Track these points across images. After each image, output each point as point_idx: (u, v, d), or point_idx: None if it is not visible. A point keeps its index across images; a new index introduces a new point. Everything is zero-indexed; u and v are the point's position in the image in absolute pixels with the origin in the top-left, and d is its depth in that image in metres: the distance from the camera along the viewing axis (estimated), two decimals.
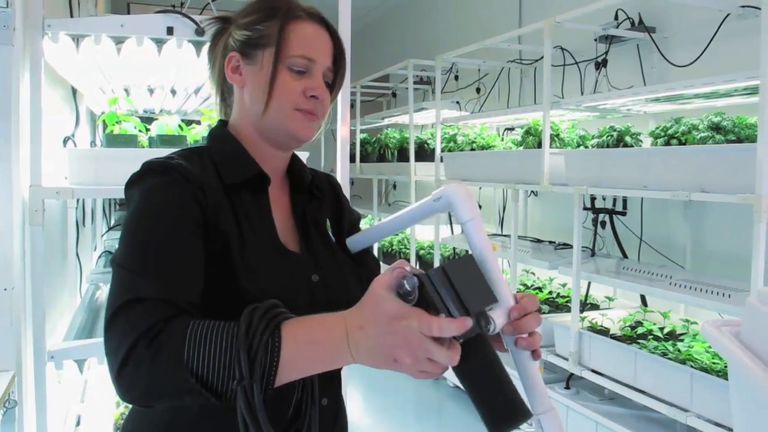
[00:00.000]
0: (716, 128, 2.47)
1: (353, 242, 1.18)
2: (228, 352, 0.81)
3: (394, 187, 6.34)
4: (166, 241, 0.92)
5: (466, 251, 0.91)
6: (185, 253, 0.93)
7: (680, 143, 2.58)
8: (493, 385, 0.85)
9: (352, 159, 5.58)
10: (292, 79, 1.04)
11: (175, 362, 0.80)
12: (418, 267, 4.73)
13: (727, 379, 2.18)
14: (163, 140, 2.10)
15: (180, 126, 2.25)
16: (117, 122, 2.19)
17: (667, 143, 2.62)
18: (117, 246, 0.96)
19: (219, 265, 0.97)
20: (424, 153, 4.90)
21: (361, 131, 6.02)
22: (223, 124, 1.14)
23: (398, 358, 0.80)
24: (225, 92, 1.15)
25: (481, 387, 0.85)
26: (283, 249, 1.06)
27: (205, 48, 1.15)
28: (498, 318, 0.87)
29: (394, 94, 6.31)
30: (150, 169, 0.98)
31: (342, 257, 1.16)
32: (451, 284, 0.82)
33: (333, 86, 1.12)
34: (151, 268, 0.89)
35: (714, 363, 2.34)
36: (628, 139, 2.90)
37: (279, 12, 1.05)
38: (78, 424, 2.66)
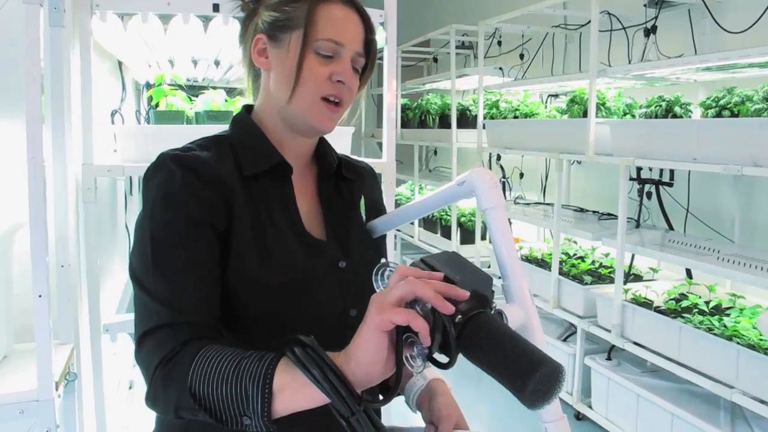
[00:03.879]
0: None
1: (374, 226, 1.18)
2: (225, 383, 0.83)
3: (435, 153, 6.31)
4: (177, 258, 0.94)
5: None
6: (197, 266, 0.95)
7: (733, 115, 2.50)
8: (499, 351, 0.76)
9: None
10: (319, 64, 1.02)
11: (181, 388, 0.85)
12: (458, 235, 4.70)
13: None
14: (210, 116, 2.13)
15: (226, 99, 2.27)
16: (164, 95, 2.22)
17: (719, 114, 2.55)
18: (132, 249, 0.98)
19: (235, 259, 0.97)
20: (466, 120, 4.84)
21: (402, 96, 5.98)
22: (246, 110, 1.13)
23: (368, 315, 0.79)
24: (255, 75, 1.14)
25: (487, 359, 0.77)
26: (307, 237, 1.06)
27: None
28: (512, 314, 0.83)
29: (435, 59, 6.23)
30: (164, 164, 0.98)
31: (371, 239, 1.17)
32: (433, 269, 0.81)
33: (363, 72, 1.10)
34: (166, 291, 0.92)
35: (762, 340, 2.30)
36: (677, 109, 2.82)
37: None
38: (130, 387, 2.76)
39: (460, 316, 0.77)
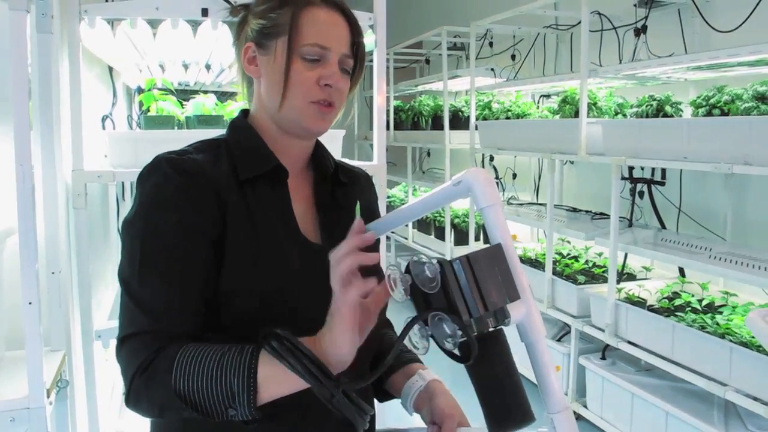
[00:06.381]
0: (761, 98, 2.39)
1: (369, 230, 1.17)
2: (210, 376, 0.87)
3: (428, 154, 6.31)
4: (165, 265, 0.94)
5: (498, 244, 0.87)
6: (185, 274, 0.95)
7: (723, 113, 2.51)
8: (499, 385, 0.83)
9: (386, 127, 5.55)
10: (306, 69, 1.01)
11: (165, 389, 0.87)
12: (452, 236, 4.71)
13: (767, 354, 2.16)
14: (201, 120, 2.12)
15: (216, 103, 2.26)
16: (154, 100, 2.21)
17: (709, 113, 2.55)
18: (122, 250, 0.98)
19: (229, 263, 0.97)
20: (458, 121, 4.85)
21: (395, 98, 5.98)
22: (244, 114, 1.13)
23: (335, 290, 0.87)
24: (249, 81, 1.13)
25: (487, 385, 0.84)
26: (303, 241, 1.06)
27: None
28: (514, 311, 0.84)
29: (427, 61, 6.24)
30: (158, 167, 0.98)
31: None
32: (474, 276, 0.81)
33: (353, 73, 1.09)
34: (150, 298, 0.94)
35: (754, 338, 2.31)
36: (668, 108, 2.83)
37: None
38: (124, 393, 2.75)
39: (474, 330, 0.81)
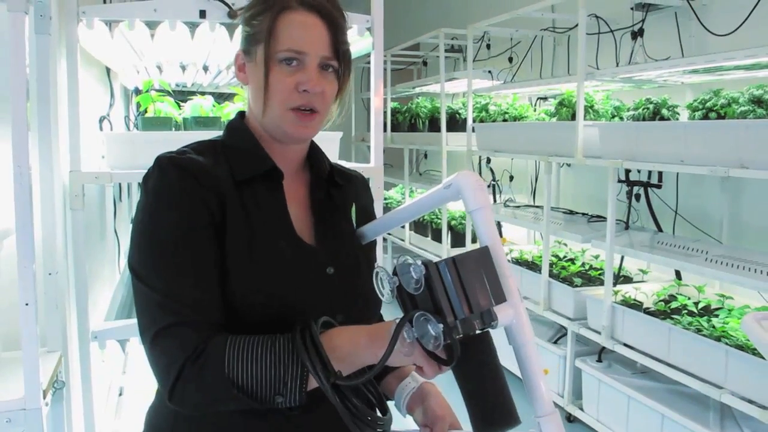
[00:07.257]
0: (758, 102, 2.40)
1: (364, 232, 1.18)
2: (264, 364, 0.90)
3: (425, 156, 6.31)
4: (186, 257, 0.95)
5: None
6: (205, 265, 0.96)
7: (719, 117, 2.52)
8: (485, 387, 0.84)
9: (383, 128, 5.54)
10: (285, 74, 1.01)
11: (218, 377, 0.89)
12: (449, 238, 4.71)
13: (762, 357, 2.17)
14: (198, 122, 2.12)
15: (214, 104, 2.27)
16: (151, 101, 2.21)
17: (706, 116, 2.56)
18: (130, 245, 0.98)
19: (228, 262, 0.98)
20: (455, 123, 4.86)
21: (392, 100, 5.98)
22: (241, 115, 1.14)
23: None
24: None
25: (472, 387, 0.85)
26: (299, 242, 1.06)
27: (239, 30, 1.15)
28: (501, 314, 0.85)
29: (424, 63, 6.24)
30: (161, 166, 0.99)
31: (358, 245, 1.17)
32: (460, 278, 0.81)
33: (341, 76, 1.08)
34: (179, 289, 0.94)
35: (750, 341, 2.32)
36: (664, 112, 2.84)
37: (272, 4, 1.02)
38: (120, 394, 2.75)
39: (460, 332, 0.81)
